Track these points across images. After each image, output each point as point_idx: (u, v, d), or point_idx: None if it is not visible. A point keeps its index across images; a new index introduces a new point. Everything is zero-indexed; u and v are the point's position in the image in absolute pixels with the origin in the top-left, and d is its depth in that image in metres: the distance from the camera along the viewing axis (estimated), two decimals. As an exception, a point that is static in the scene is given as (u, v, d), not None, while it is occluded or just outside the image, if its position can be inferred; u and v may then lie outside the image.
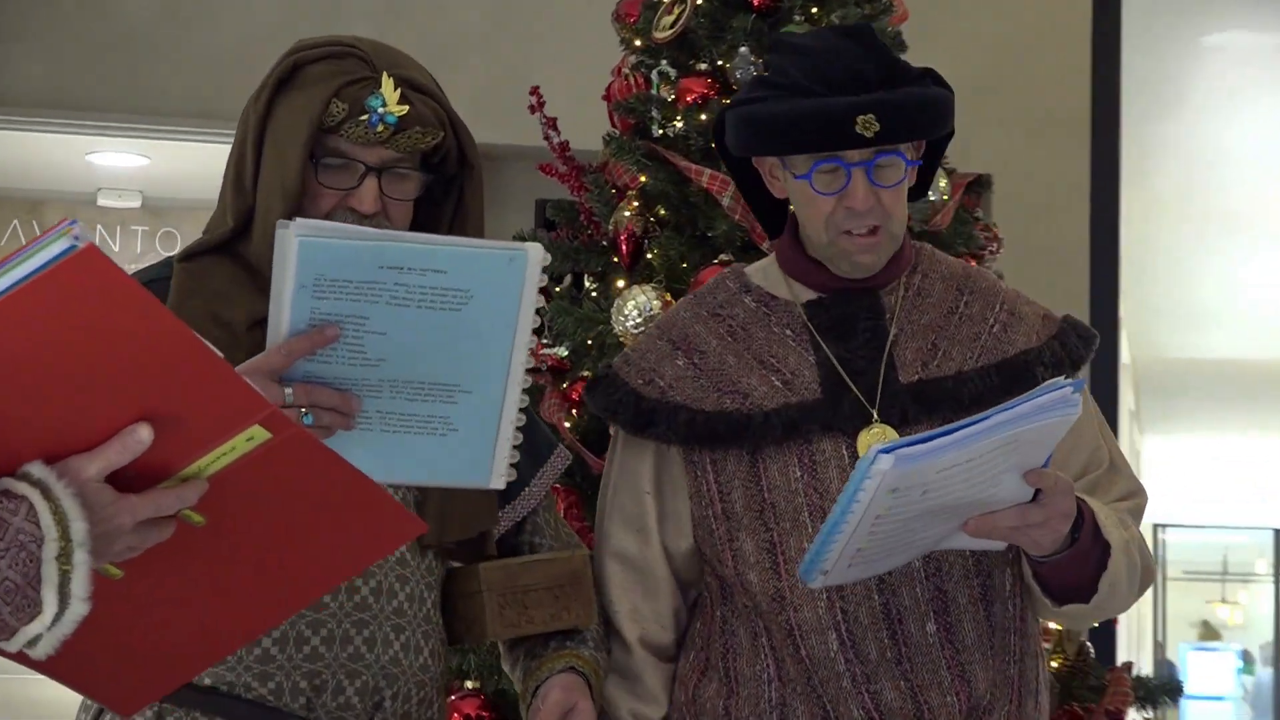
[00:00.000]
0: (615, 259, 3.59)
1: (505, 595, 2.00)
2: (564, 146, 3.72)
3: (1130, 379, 9.90)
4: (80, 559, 1.27)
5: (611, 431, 2.35)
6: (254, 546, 1.41)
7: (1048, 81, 5.70)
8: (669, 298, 3.45)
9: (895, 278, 2.22)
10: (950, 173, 3.70)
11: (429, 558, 2.10)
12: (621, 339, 3.45)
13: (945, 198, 3.59)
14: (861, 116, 2.06)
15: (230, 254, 1.99)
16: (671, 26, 3.68)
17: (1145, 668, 13.87)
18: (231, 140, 2.05)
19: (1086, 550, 2.04)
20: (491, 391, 1.72)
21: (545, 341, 3.61)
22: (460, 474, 1.78)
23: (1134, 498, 2.24)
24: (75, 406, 1.26)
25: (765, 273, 2.28)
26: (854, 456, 2.12)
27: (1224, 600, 21.09)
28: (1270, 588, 19.15)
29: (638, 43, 3.76)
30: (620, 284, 3.53)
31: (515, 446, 1.80)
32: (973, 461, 1.83)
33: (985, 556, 2.15)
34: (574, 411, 3.55)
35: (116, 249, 6.81)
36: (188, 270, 1.97)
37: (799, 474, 2.14)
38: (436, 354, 1.67)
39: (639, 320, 3.42)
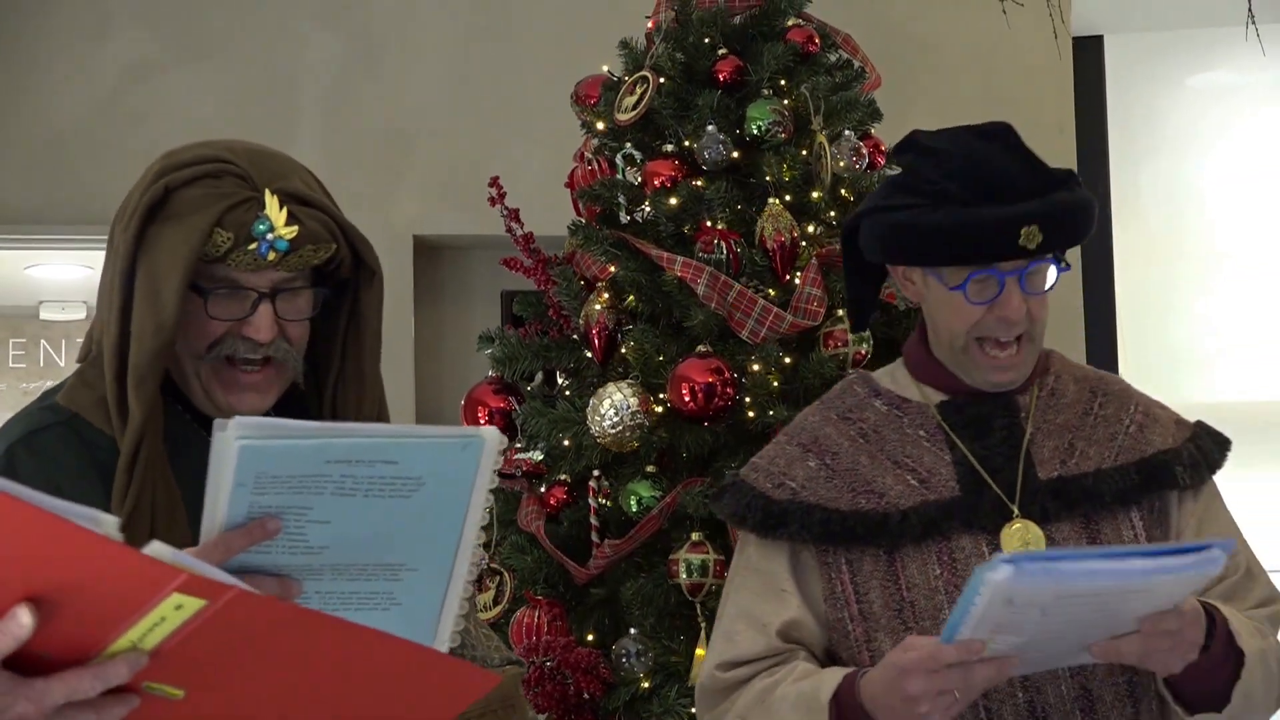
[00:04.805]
0: (588, 354, 3.42)
1: None
2: (528, 239, 3.55)
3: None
4: None
5: (736, 544, 2.28)
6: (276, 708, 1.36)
7: (1032, 131, 5.52)
8: (646, 395, 3.28)
9: (1028, 380, 2.20)
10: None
11: None
12: (599, 440, 3.27)
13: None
14: (1026, 228, 2.04)
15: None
16: (634, 108, 3.52)
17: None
18: None
19: (1220, 659, 2.00)
20: (439, 568, 1.60)
21: (519, 445, 3.44)
22: None
23: (1272, 604, 2.19)
24: None
25: (894, 377, 2.26)
26: (996, 553, 2.07)
27: None
28: None
29: (600, 125, 3.60)
30: (594, 381, 3.36)
31: (462, 615, 1.66)
32: (1100, 598, 1.80)
33: None
34: (553, 518, 3.37)
35: (62, 364, 6.59)
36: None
37: (939, 571, 2.11)
38: (382, 538, 1.55)
39: (616, 420, 3.25)
